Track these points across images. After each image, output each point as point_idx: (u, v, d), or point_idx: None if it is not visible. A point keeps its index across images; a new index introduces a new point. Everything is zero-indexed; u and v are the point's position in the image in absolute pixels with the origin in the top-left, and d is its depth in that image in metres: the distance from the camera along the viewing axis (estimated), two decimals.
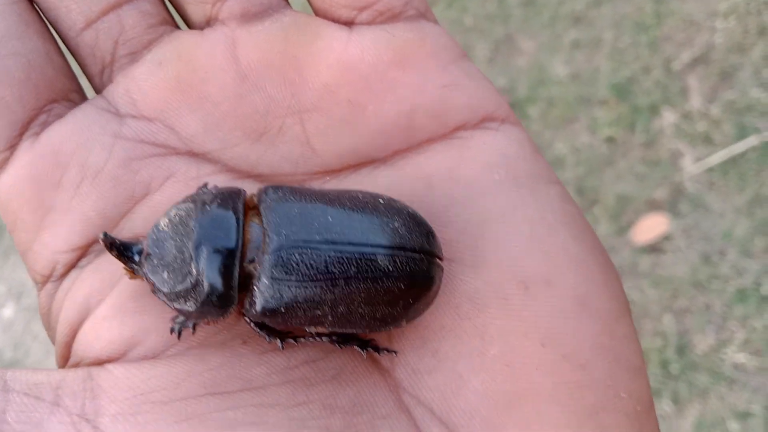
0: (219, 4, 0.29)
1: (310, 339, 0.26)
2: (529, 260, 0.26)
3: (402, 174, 0.28)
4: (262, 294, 0.24)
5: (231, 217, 0.25)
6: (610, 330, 0.26)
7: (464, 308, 0.26)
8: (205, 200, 0.25)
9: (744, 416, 0.99)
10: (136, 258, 0.26)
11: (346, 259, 0.24)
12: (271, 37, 0.29)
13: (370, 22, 0.29)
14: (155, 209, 0.28)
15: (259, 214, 0.25)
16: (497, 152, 0.28)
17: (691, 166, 1.18)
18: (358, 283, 0.25)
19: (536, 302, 0.26)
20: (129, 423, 0.22)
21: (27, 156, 0.28)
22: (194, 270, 0.24)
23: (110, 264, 0.27)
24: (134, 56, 0.29)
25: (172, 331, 0.26)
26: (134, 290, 0.27)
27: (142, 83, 0.29)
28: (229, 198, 0.25)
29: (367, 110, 0.28)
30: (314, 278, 0.24)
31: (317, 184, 0.28)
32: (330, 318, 0.25)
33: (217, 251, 0.24)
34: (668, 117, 1.23)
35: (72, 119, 0.28)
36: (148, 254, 0.26)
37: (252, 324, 0.26)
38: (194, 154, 0.28)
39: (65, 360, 0.27)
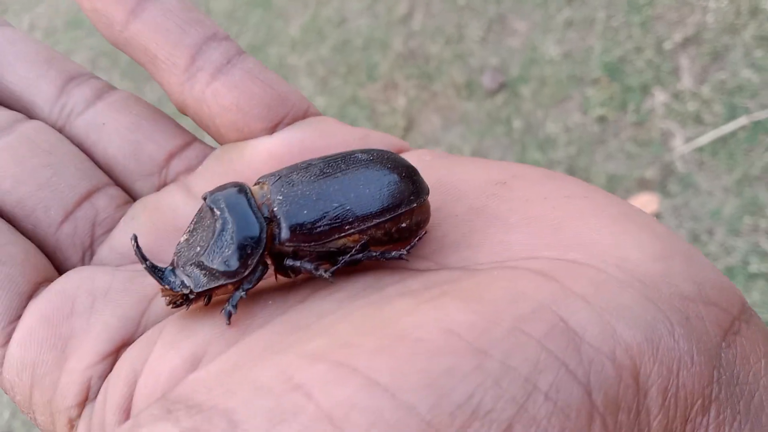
0: (164, 171, 0.34)
1: (351, 254, 0.27)
2: (492, 170, 0.29)
3: None
4: (283, 209, 0.27)
5: (232, 185, 0.29)
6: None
7: (468, 216, 0.28)
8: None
9: None
10: (169, 274, 0.28)
11: (332, 162, 0.29)
12: (213, 165, 0.34)
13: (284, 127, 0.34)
14: None
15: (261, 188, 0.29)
16: None
17: (681, 146, 1.19)
18: (353, 170, 0.28)
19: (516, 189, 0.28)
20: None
21: (33, 309, 0.30)
22: (222, 218, 0.27)
23: (141, 340, 0.28)
24: (110, 231, 0.33)
25: (230, 317, 0.27)
26: (175, 329, 0.28)
27: (122, 239, 0.33)
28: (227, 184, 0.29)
29: None
30: (316, 180, 0.28)
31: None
32: (349, 208, 0.27)
33: (230, 197, 0.28)
34: (659, 97, 1.24)
35: (67, 275, 0.31)
36: (178, 261, 0.28)
37: (292, 263, 0.28)
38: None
39: None
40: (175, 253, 0.29)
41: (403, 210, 0.28)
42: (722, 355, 0.22)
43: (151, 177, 0.35)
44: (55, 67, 0.36)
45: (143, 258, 0.27)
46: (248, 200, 0.28)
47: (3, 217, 0.32)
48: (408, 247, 0.28)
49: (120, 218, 0.33)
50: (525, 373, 0.19)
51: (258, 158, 0.33)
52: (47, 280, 0.31)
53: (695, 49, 1.26)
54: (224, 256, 0.27)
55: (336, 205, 0.28)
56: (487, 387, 0.18)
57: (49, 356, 0.29)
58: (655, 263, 0.23)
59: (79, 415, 0.28)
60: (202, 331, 0.27)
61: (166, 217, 0.33)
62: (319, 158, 0.29)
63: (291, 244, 0.28)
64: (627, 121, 1.23)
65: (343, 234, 0.28)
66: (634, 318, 0.21)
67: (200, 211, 0.29)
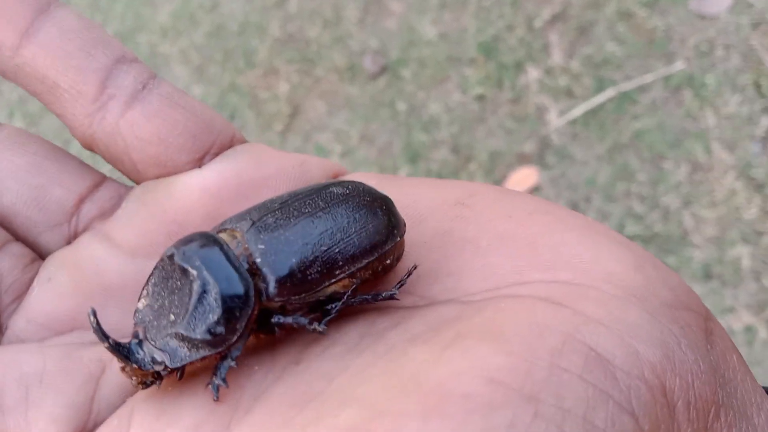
0: (75, 218, 0.30)
1: (343, 301, 0.25)
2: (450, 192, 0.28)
3: None
4: (267, 259, 0.25)
5: (209, 237, 0.25)
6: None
7: (444, 243, 0.27)
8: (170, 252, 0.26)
9: None
10: (136, 350, 0.24)
11: (307, 200, 0.26)
12: (134, 209, 0.29)
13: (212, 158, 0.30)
14: (122, 380, 0.26)
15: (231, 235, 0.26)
16: None
17: (555, 120, 1.24)
18: (333, 208, 0.26)
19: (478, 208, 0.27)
20: None
21: None
22: (198, 277, 0.24)
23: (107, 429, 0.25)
24: (20, 297, 0.28)
25: (214, 388, 0.24)
26: (152, 415, 0.24)
27: (40, 304, 0.28)
28: (195, 235, 0.26)
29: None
30: (297, 222, 0.26)
31: None
32: (337, 250, 0.25)
33: (203, 250, 0.24)
34: (532, 73, 1.29)
35: None
36: (144, 332, 0.25)
37: (282, 320, 0.25)
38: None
39: None
40: (137, 324, 0.25)
41: (389, 246, 0.26)
42: (711, 358, 0.22)
43: (60, 227, 0.30)
44: None
45: (104, 336, 0.23)
46: (226, 254, 0.24)
47: None
48: (397, 285, 0.26)
49: (30, 281, 0.29)
50: (581, 413, 0.18)
51: (189, 196, 0.29)
52: None
53: (563, 25, 1.32)
54: (208, 323, 0.24)
55: (324, 248, 0.25)
56: None
57: None
58: (636, 274, 0.23)
59: None
60: (187, 414, 0.23)
61: (89, 275, 0.28)
62: (288, 195, 0.27)
63: (280, 298, 0.25)
64: (504, 98, 1.28)
65: (334, 280, 0.25)
66: (648, 335, 0.20)
67: (161, 269, 0.25)
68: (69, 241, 0.30)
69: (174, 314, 0.24)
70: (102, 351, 0.26)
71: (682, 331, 0.21)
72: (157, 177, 0.30)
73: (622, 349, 0.20)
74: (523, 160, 1.23)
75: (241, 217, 0.26)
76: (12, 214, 0.30)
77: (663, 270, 0.24)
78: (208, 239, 0.25)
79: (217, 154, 0.30)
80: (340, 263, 0.25)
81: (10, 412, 0.25)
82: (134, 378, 0.24)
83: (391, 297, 0.25)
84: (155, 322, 0.25)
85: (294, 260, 0.25)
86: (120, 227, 0.29)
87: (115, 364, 0.26)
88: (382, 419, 0.18)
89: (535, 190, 1.20)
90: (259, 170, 0.29)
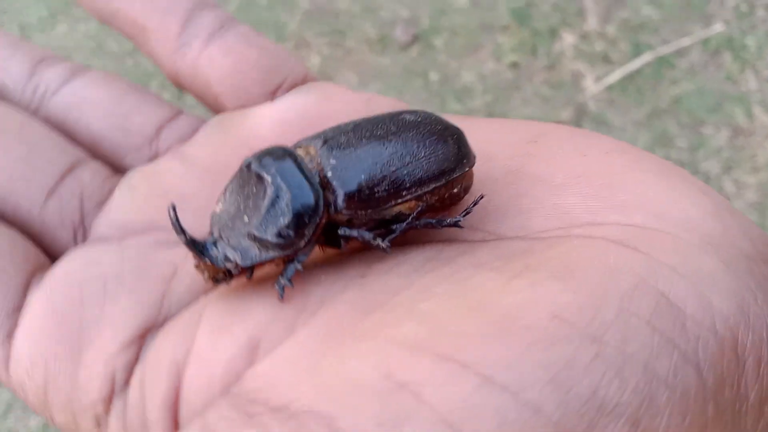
0: (155, 142, 0.33)
1: (408, 221, 0.26)
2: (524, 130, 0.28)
3: None
4: (337, 174, 0.26)
5: (285, 150, 0.26)
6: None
7: (512, 179, 0.27)
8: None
9: None
10: (210, 247, 0.26)
11: (379, 122, 0.27)
12: (211, 133, 0.32)
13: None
14: (192, 277, 0.28)
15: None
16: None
17: (592, 86, 1.22)
18: (403, 132, 0.27)
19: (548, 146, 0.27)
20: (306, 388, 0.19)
21: (35, 301, 0.27)
22: (271, 184, 0.25)
23: (175, 325, 0.26)
24: (102, 204, 0.31)
25: (280, 288, 0.25)
26: (219, 313, 0.25)
27: (121, 209, 0.30)
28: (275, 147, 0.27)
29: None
30: (368, 142, 0.26)
31: None
32: (405, 171, 0.26)
33: (278, 160, 0.26)
34: (567, 39, 1.27)
35: (68, 256, 0.29)
36: (219, 232, 0.26)
37: (347, 232, 0.26)
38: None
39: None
40: (213, 224, 0.26)
41: (458, 174, 0.26)
42: None
43: (142, 149, 0.33)
44: (22, 50, 0.34)
45: (181, 230, 0.25)
46: (299, 165, 0.26)
47: None
48: (463, 213, 0.26)
49: (111, 191, 0.31)
50: (643, 359, 0.17)
51: (261, 125, 0.31)
52: (40, 269, 0.29)
53: None
54: (279, 226, 0.25)
55: (393, 169, 0.26)
56: (611, 378, 0.17)
57: (61, 350, 0.26)
58: (714, 221, 0.22)
59: (107, 411, 0.26)
60: (255, 312, 0.25)
61: (166, 185, 0.31)
62: (361, 119, 0.27)
63: (347, 212, 0.26)
64: (539, 65, 1.26)
65: (400, 200, 0.26)
66: (723, 286, 0.20)
67: (239, 177, 0.27)
68: (151, 160, 0.33)
69: (248, 216, 0.26)
70: (174, 254, 0.28)
71: (759, 284, 0.20)
72: (234, 109, 0.32)
73: (694, 299, 0.19)
74: None
75: (316, 136, 0.27)
76: (99, 139, 0.33)
77: (742, 219, 0.23)
78: (284, 152, 0.26)
79: (289, 90, 0.32)
80: (408, 185, 0.26)
81: (89, 304, 0.27)
82: (206, 273, 0.26)
83: (456, 224, 0.25)
84: (230, 224, 0.26)
85: (363, 177, 0.26)
86: (196, 148, 0.32)
87: (187, 265, 0.28)
88: (442, 337, 0.18)
89: None
90: (327, 105, 0.31)
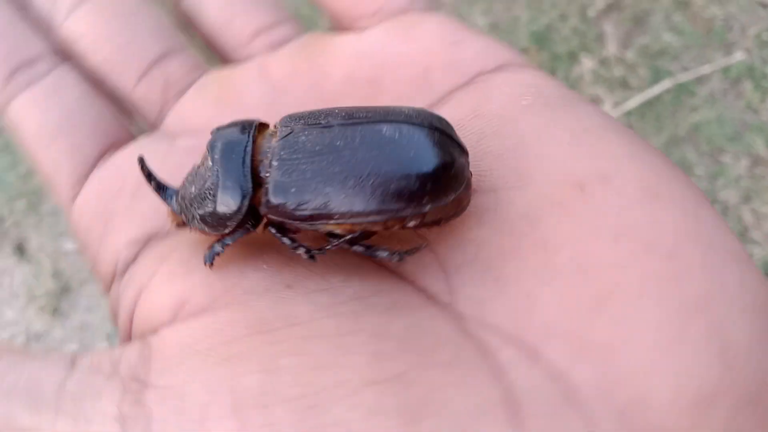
0: (250, 46, 0.35)
1: (334, 244, 0.25)
2: (577, 162, 0.24)
3: None
4: (273, 177, 0.25)
5: (240, 126, 0.26)
6: (695, 214, 0.23)
7: (520, 227, 0.24)
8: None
9: None
10: (172, 196, 0.28)
11: (350, 131, 0.25)
12: (295, 52, 0.33)
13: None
14: None
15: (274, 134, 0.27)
16: (521, 84, 0.28)
17: (610, 111, 1.21)
18: (364, 151, 0.24)
19: (596, 199, 0.23)
20: (173, 373, 0.22)
21: (95, 178, 0.32)
22: (212, 169, 0.26)
23: (162, 245, 0.28)
24: (181, 94, 0.34)
25: (205, 262, 0.26)
26: (182, 257, 0.27)
27: (188, 105, 0.33)
28: (241, 120, 0.27)
29: (385, 82, 0.30)
30: (320, 153, 0.24)
31: None
32: (343, 197, 0.24)
33: (228, 145, 0.26)
34: (587, 63, 1.26)
35: (131, 145, 0.33)
36: (182, 188, 0.27)
37: (274, 231, 0.26)
38: None
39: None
40: (185, 178, 0.28)
41: (411, 213, 0.24)
42: None
43: (234, 51, 0.35)
44: None
45: (149, 178, 0.27)
46: (244, 157, 0.25)
47: (88, 77, 0.34)
48: (405, 252, 0.24)
49: (192, 81, 0.34)
50: None
51: (341, 55, 0.32)
52: (116, 145, 0.33)
53: (617, 14, 1.29)
54: (204, 212, 0.26)
55: (330, 190, 0.24)
56: None
57: (96, 227, 0.30)
58: None
59: (109, 289, 0.30)
60: (194, 274, 0.26)
61: (233, 94, 0.33)
62: (342, 115, 0.25)
63: (274, 217, 0.25)
64: None
65: (331, 222, 0.24)
66: None
67: (209, 143, 0.27)
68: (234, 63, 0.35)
69: (193, 186, 0.27)
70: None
71: None
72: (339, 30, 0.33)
73: None
74: None
75: (294, 120, 0.26)
76: (209, 34, 0.36)
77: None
78: (240, 137, 0.26)
79: (389, 15, 0.32)
80: (341, 212, 0.24)
81: (123, 196, 0.31)
82: (172, 218, 0.28)
83: (390, 260, 0.24)
84: (188, 186, 0.27)
85: (294, 190, 0.24)
86: (277, 63, 0.33)
87: None
88: (269, 396, 0.21)
89: None
90: (407, 45, 0.31)
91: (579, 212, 0.23)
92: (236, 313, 0.24)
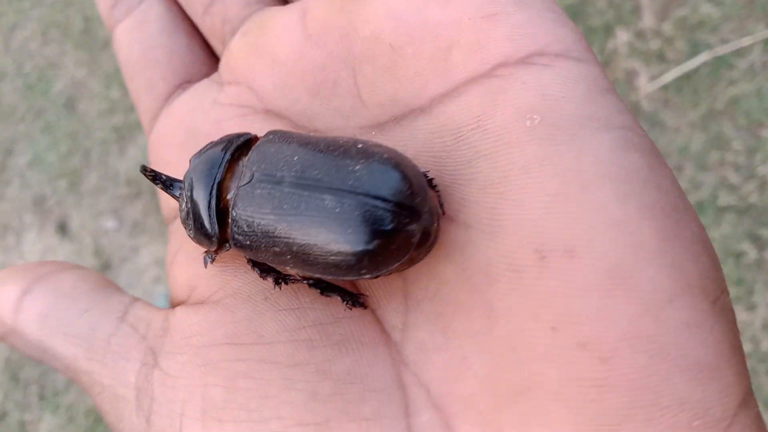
0: None
1: (296, 281, 0.26)
2: (549, 224, 0.22)
3: (437, 125, 0.26)
4: (234, 224, 0.26)
5: (219, 154, 0.27)
6: (656, 314, 0.20)
7: (477, 282, 0.23)
8: (213, 142, 0.28)
9: None
10: (177, 188, 0.29)
11: (296, 196, 0.24)
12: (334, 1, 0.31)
13: None
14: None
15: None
16: (536, 93, 0.24)
17: (646, 85, 1.20)
18: (305, 221, 0.24)
19: (551, 275, 0.21)
20: (174, 361, 0.26)
21: (159, 121, 0.33)
22: (189, 201, 0.27)
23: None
24: (234, 31, 0.34)
25: (204, 262, 0.28)
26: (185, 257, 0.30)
27: (233, 52, 0.33)
28: (228, 139, 0.28)
29: (407, 53, 0.27)
30: (270, 212, 0.25)
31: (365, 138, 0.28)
32: (290, 257, 0.24)
33: (199, 182, 0.27)
34: (622, 36, 1.24)
35: (191, 90, 0.34)
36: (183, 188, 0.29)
37: (246, 258, 0.27)
38: (268, 112, 0.31)
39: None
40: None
41: (353, 279, 0.24)
42: None
43: None
44: None
45: (155, 179, 0.29)
46: (210, 200, 0.27)
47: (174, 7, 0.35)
48: (355, 302, 0.25)
49: (244, 18, 0.33)
50: None
51: (372, 12, 0.28)
52: (189, 80, 0.34)
53: None
54: (188, 228, 0.28)
55: (277, 250, 0.25)
56: None
57: (160, 168, 0.32)
58: None
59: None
60: (200, 263, 0.29)
61: (267, 43, 0.31)
62: (299, 176, 0.25)
63: (240, 249, 0.26)
64: None
65: (287, 267, 0.25)
66: None
67: (196, 155, 0.29)
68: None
69: (182, 205, 0.28)
70: (234, 132, 0.30)
71: None
72: None
73: None
74: None
75: (269, 144, 0.26)
76: None
77: None
78: (209, 176, 0.27)
79: None
80: (291, 268, 0.25)
81: (171, 148, 0.32)
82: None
83: (346, 304, 0.25)
84: (183, 193, 0.28)
85: (250, 243, 0.25)
86: (317, 5, 0.31)
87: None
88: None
89: None
90: (444, 9, 0.27)
91: (529, 286, 0.22)
92: (221, 316, 0.26)
